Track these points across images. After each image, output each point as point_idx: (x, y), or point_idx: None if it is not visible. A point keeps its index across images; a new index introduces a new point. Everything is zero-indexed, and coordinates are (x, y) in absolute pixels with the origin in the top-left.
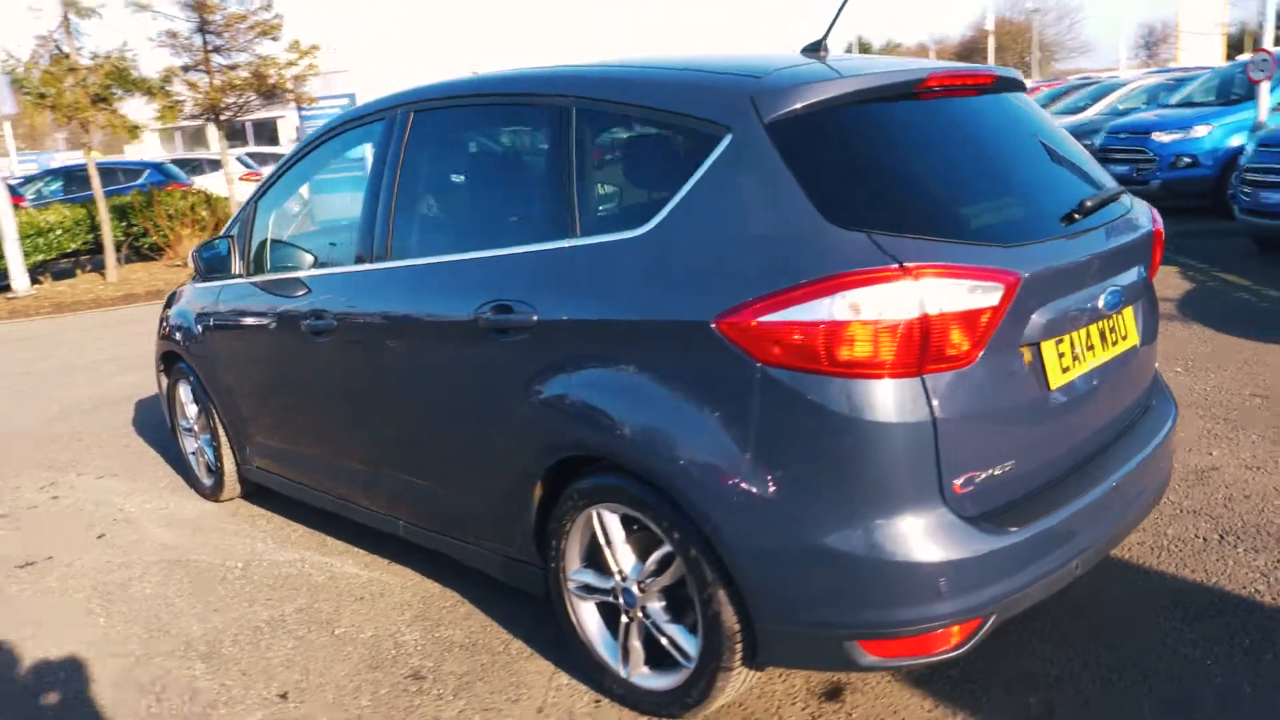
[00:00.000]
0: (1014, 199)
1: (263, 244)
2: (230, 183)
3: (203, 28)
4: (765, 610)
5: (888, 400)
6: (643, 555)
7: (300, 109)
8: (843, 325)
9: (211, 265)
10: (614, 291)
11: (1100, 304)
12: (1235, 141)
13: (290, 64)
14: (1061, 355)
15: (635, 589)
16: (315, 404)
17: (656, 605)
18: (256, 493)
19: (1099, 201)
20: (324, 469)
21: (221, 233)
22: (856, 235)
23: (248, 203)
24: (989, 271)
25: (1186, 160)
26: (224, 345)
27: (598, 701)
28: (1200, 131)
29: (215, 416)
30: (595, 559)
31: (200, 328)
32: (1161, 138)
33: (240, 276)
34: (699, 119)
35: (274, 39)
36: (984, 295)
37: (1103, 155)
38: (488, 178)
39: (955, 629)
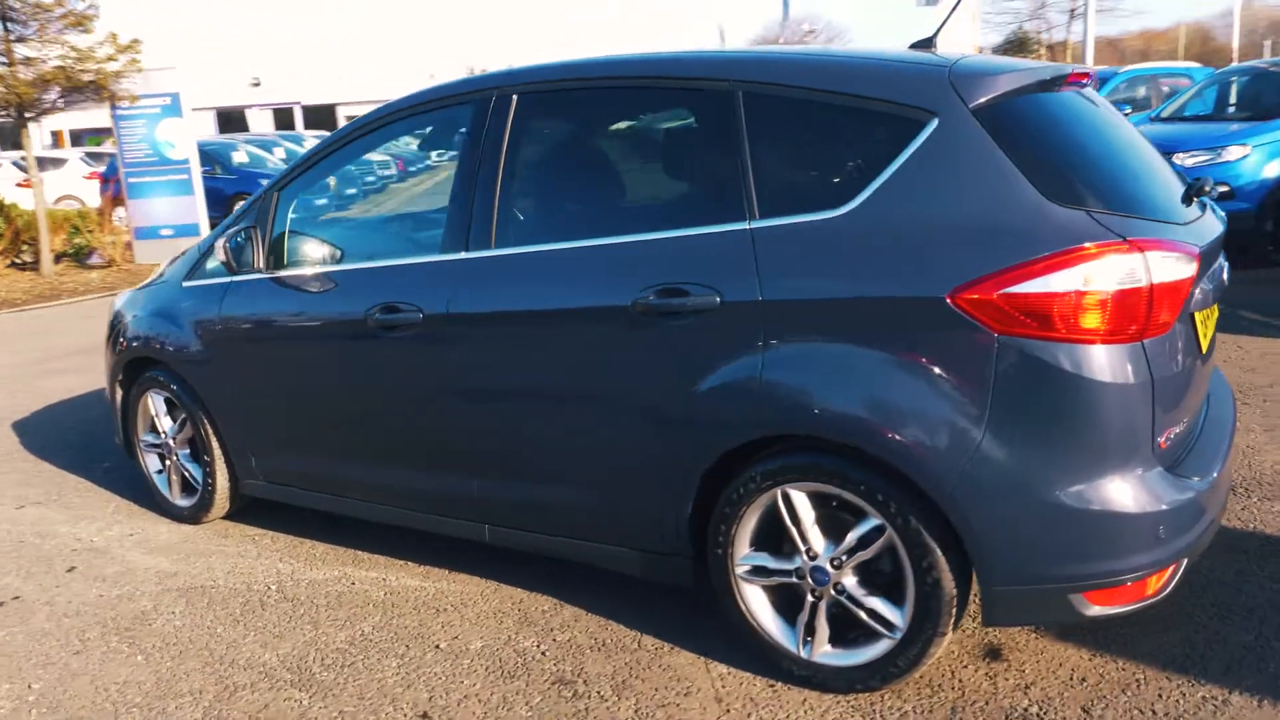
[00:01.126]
0: (1151, 182)
1: (286, 236)
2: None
3: (4, 15)
4: (996, 571)
5: (1119, 364)
6: (834, 532)
7: (115, 108)
8: (1082, 295)
9: (241, 259)
10: (814, 271)
11: (1210, 285)
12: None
13: (110, 59)
14: (1203, 325)
15: (828, 566)
16: (378, 405)
17: (852, 580)
18: (243, 510)
19: (1193, 191)
20: (378, 475)
21: (225, 225)
22: (1076, 213)
23: (265, 192)
24: (1186, 246)
25: (1221, 190)
26: (236, 347)
27: (773, 685)
28: (1235, 153)
29: (206, 428)
30: (767, 541)
31: (196, 329)
32: (1185, 160)
33: (260, 271)
34: (900, 104)
35: (86, 30)
36: (1186, 267)
37: None
38: (630, 161)
39: (1165, 573)
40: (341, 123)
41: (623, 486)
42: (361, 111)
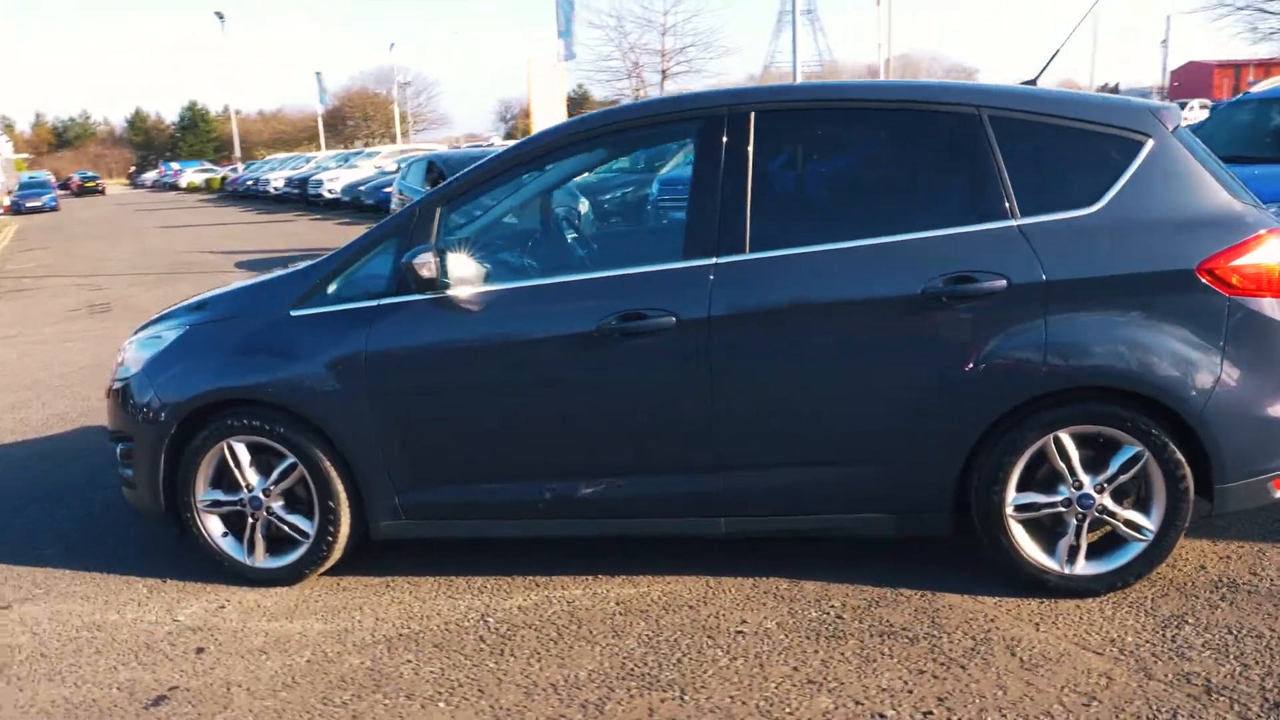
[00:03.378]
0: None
1: (460, 252)
2: None
3: None
4: (1228, 470)
5: None
6: (1094, 464)
7: None
8: (1273, 266)
9: (421, 279)
10: (1083, 255)
11: None
12: None
13: None
14: None
15: (1094, 492)
16: (606, 415)
17: (1110, 501)
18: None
19: None
20: (590, 487)
21: (350, 249)
22: (1248, 207)
23: (421, 209)
24: None
25: None
26: (400, 376)
27: (1041, 601)
28: None
29: (329, 471)
30: (1028, 481)
31: (331, 361)
32: None
33: (435, 290)
34: (1122, 128)
35: None
36: None
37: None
38: (888, 170)
39: None
40: None
41: (899, 456)
42: None
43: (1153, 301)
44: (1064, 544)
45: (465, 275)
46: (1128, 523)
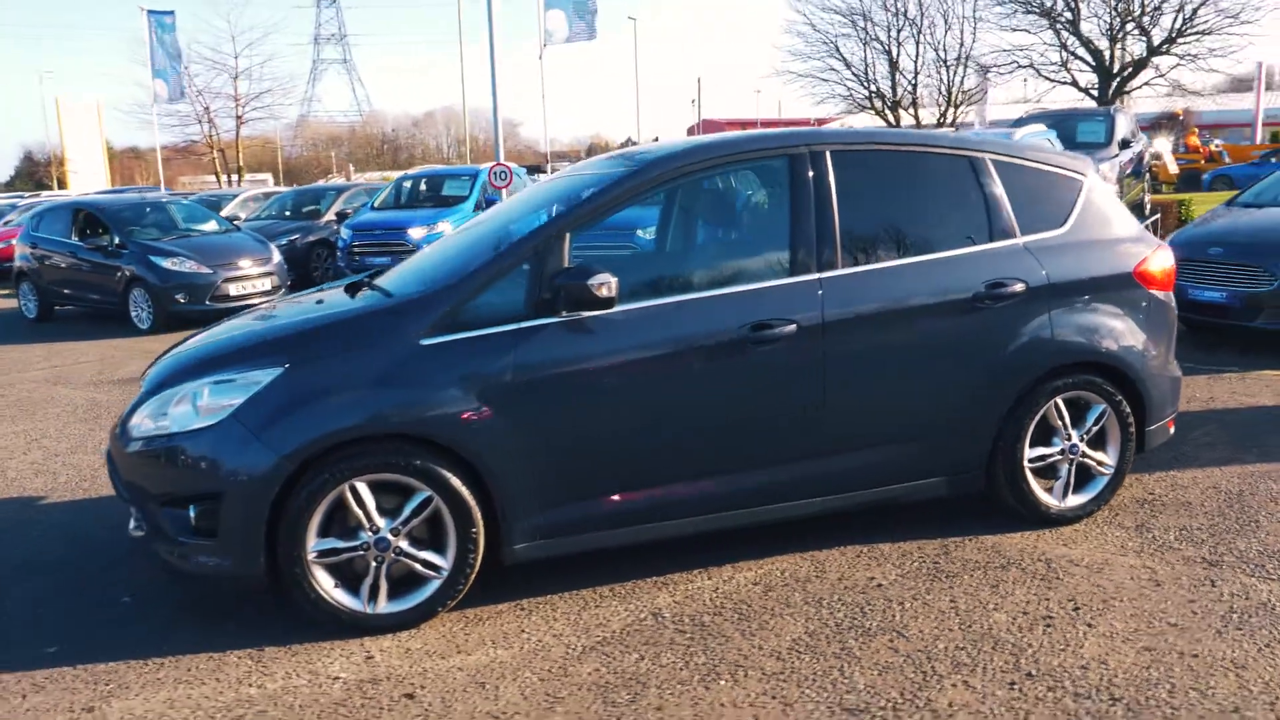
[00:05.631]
0: None
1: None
2: None
3: None
4: (1151, 416)
5: (1174, 299)
6: (1075, 421)
7: None
8: (1173, 266)
9: (570, 300)
10: (1066, 263)
11: None
12: None
13: None
14: None
15: (1079, 442)
16: (739, 415)
17: (1087, 446)
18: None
19: None
20: (722, 483)
21: (476, 273)
22: (1144, 231)
23: (557, 235)
24: None
25: None
26: (549, 395)
27: (1039, 533)
28: (442, 228)
29: (468, 501)
30: (1037, 439)
31: (474, 387)
32: (417, 233)
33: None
34: (1068, 169)
35: None
36: None
37: (363, 248)
38: (926, 201)
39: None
40: None
41: (962, 428)
42: None
43: (1107, 295)
44: (1059, 484)
45: (614, 294)
46: (1099, 462)
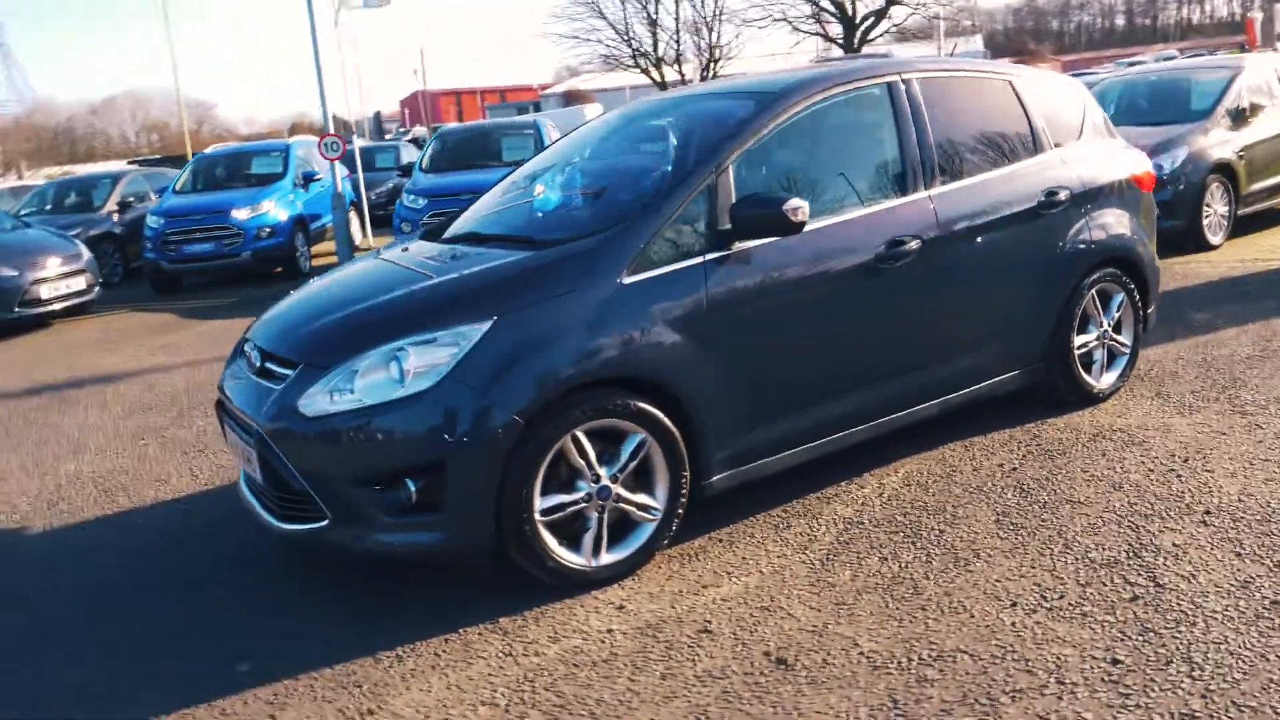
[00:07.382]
0: None
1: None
2: None
3: None
4: (1150, 300)
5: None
6: (1104, 310)
7: None
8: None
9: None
10: (1089, 170)
11: None
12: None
13: None
14: None
15: (1110, 329)
16: (878, 331)
17: (1113, 331)
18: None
19: None
20: (860, 399)
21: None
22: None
23: (722, 167)
24: None
25: (268, 231)
26: (738, 324)
27: (1094, 409)
28: (267, 208)
29: (677, 439)
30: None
31: (677, 322)
32: (242, 214)
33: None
34: (1074, 88)
35: None
36: None
37: (180, 236)
38: (985, 120)
39: None
40: None
41: (1034, 323)
42: None
43: (1119, 198)
44: (1096, 366)
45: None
46: (1120, 343)
